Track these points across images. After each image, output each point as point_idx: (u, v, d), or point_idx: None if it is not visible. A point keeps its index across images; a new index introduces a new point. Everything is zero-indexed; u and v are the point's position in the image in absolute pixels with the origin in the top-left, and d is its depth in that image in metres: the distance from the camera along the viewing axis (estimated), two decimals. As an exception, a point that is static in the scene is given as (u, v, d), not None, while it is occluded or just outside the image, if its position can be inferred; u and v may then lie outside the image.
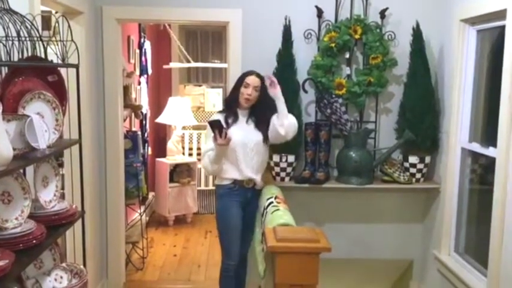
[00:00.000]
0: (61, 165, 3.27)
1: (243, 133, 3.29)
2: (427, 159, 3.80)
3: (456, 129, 3.58)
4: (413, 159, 3.79)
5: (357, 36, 3.72)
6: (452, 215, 3.67)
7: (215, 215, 3.46)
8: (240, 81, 3.33)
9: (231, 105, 3.38)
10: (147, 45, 5.93)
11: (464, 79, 3.52)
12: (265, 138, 3.34)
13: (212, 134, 3.16)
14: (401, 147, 3.81)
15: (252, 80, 3.29)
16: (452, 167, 3.63)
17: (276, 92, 3.27)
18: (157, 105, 6.58)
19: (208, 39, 7.67)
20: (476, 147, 3.44)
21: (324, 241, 2.49)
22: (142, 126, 5.63)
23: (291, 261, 2.43)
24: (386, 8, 3.78)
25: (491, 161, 3.10)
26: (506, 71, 2.88)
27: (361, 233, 4.11)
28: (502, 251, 2.92)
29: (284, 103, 3.29)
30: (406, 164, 3.82)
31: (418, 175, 3.82)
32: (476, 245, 3.58)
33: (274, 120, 3.30)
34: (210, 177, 6.51)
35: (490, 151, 3.22)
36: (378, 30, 3.76)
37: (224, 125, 3.21)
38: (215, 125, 3.13)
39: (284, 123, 3.28)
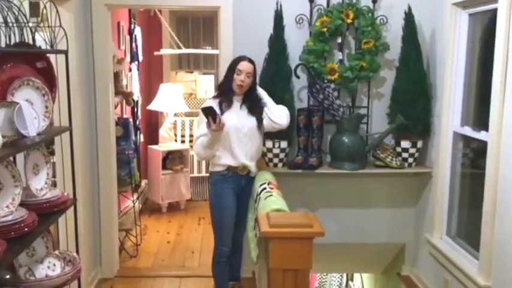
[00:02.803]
0: (52, 153, 3.24)
1: (237, 118, 3.26)
2: (419, 143, 3.81)
3: (448, 114, 3.59)
4: (405, 143, 3.80)
5: (348, 21, 3.70)
6: (444, 199, 3.69)
7: (209, 202, 3.44)
8: (233, 68, 3.27)
9: (224, 91, 3.33)
10: (138, 32, 5.87)
11: (456, 63, 3.51)
12: (259, 124, 3.31)
13: (205, 120, 3.14)
14: (394, 132, 3.81)
15: (244, 66, 3.24)
16: (444, 151, 3.64)
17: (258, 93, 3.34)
18: (149, 92, 6.54)
19: (199, 25, 7.61)
20: (468, 131, 3.45)
21: (317, 226, 2.50)
22: (133, 113, 5.59)
23: (284, 247, 2.43)
24: (378, -8, 3.76)
25: (483, 145, 3.11)
26: (498, 55, 2.87)
27: (353, 217, 4.13)
28: (494, 234, 2.95)
29: (268, 97, 3.34)
30: (399, 149, 3.83)
31: (410, 160, 3.83)
32: (468, 229, 3.60)
33: (267, 110, 3.32)
34: (203, 164, 6.50)
35: (481, 135, 3.23)
36: (370, 14, 3.73)
37: (218, 111, 3.18)
38: (208, 112, 3.10)
39: (275, 113, 3.31)
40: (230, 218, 3.32)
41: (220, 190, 3.32)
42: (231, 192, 3.32)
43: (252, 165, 3.34)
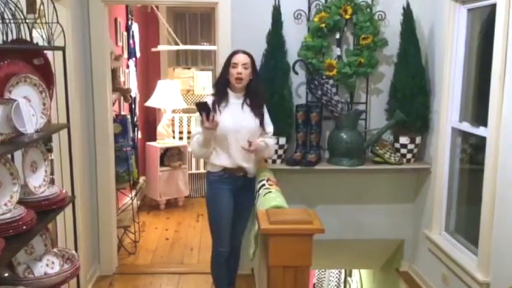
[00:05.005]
0: (50, 150, 3.23)
1: (237, 119, 3.12)
2: (418, 139, 3.81)
3: (447, 109, 3.59)
4: (404, 139, 3.80)
5: (347, 16, 3.69)
6: (443, 195, 3.69)
7: (206, 202, 3.34)
8: (227, 63, 3.15)
9: (221, 89, 3.19)
10: (135, 28, 5.84)
11: (455, 58, 3.51)
12: (262, 122, 3.20)
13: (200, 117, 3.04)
14: (392, 128, 3.81)
15: (239, 58, 3.11)
16: (442, 147, 3.64)
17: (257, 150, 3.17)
18: (147, 89, 6.52)
19: (196, 21, 7.58)
20: (467, 126, 3.45)
21: (317, 222, 2.49)
22: (131, 110, 5.57)
23: (284, 243, 2.43)
24: (377, -12, 3.75)
25: (482, 141, 3.11)
26: (497, 50, 2.87)
27: (352, 213, 4.13)
28: (493, 230, 2.95)
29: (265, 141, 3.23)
30: (397, 145, 3.83)
31: (409, 155, 3.82)
32: (467, 224, 3.61)
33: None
34: (201, 161, 6.49)
35: (480, 130, 3.23)
36: (368, 10, 3.73)
37: (214, 110, 3.06)
38: (202, 108, 2.98)
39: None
40: (227, 219, 3.22)
41: (216, 190, 3.22)
42: (227, 193, 3.20)
43: (249, 167, 3.23)
